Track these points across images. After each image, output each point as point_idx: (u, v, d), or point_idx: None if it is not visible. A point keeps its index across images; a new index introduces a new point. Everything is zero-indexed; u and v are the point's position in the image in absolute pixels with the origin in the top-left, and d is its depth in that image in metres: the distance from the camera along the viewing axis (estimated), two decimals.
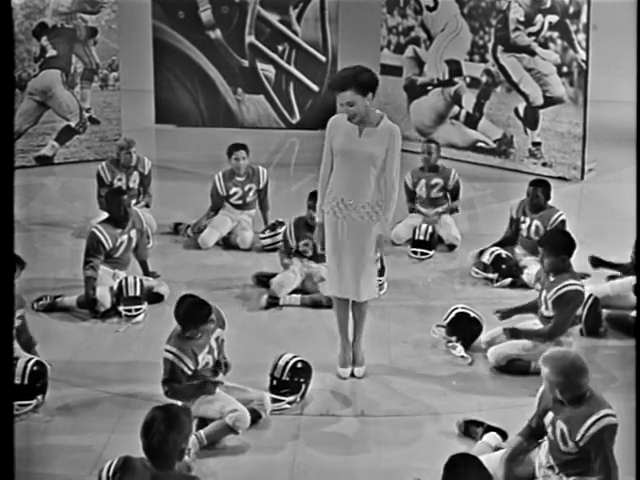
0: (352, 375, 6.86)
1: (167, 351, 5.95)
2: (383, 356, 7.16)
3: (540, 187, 8.72)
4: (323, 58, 14.27)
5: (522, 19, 12.08)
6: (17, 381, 6.17)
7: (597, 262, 8.29)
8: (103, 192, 9.27)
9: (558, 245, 6.89)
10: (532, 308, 7.19)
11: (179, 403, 5.51)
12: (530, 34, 12.05)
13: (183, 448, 4.43)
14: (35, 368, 6.29)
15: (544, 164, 12.20)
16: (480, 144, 12.80)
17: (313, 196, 8.16)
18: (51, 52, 12.20)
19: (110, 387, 6.64)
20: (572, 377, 5.00)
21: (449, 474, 4.13)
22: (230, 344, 6.40)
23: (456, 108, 12.94)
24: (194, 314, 5.95)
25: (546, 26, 11.90)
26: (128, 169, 9.80)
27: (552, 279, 6.91)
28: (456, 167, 10.28)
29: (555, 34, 11.85)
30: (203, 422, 5.92)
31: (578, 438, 4.98)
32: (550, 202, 8.75)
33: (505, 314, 7.23)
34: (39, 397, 6.27)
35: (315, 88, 14.36)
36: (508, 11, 12.20)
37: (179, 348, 5.93)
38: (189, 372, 5.95)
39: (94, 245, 7.93)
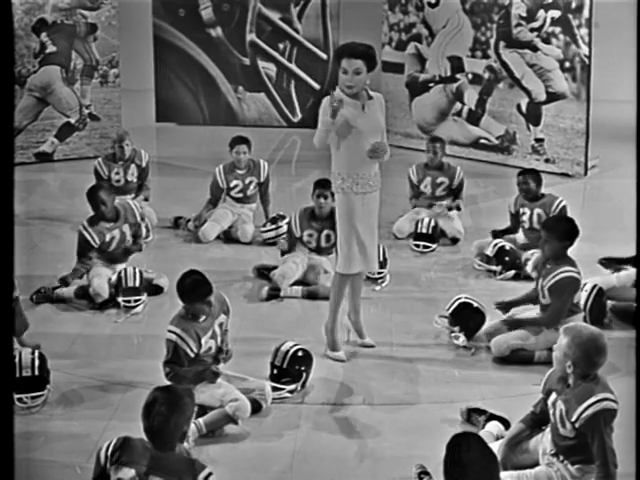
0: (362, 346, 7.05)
1: (170, 332, 5.89)
2: (385, 346, 7.09)
3: (529, 175, 8.75)
4: (324, 56, 14.23)
5: (524, 14, 12.03)
6: (27, 373, 6.13)
7: (610, 263, 8.16)
8: None
9: (563, 231, 6.81)
10: (530, 300, 7.13)
11: None
12: (532, 29, 12.00)
13: (185, 430, 4.36)
14: (39, 359, 6.24)
15: (547, 160, 12.14)
16: (482, 141, 12.74)
17: (319, 184, 8.12)
18: (51, 48, 12.17)
19: (107, 376, 6.58)
20: (590, 353, 4.90)
21: (452, 453, 4.03)
22: (231, 335, 6.35)
23: (458, 105, 12.89)
24: (193, 290, 5.89)
25: (548, 21, 11.85)
26: (125, 162, 9.76)
27: (549, 267, 6.84)
28: (458, 164, 10.22)
29: (557, 29, 11.80)
30: (202, 410, 5.84)
31: (574, 419, 4.89)
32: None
33: (504, 307, 7.17)
34: (48, 387, 6.22)
35: (316, 86, 14.31)
36: (510, 7, 12.15)
37: (182, 329, 5.87)
38: (192, 354, 5.88)
39: (82, 245, 7.95)
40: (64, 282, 7.91)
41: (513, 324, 6.97)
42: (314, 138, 6.51)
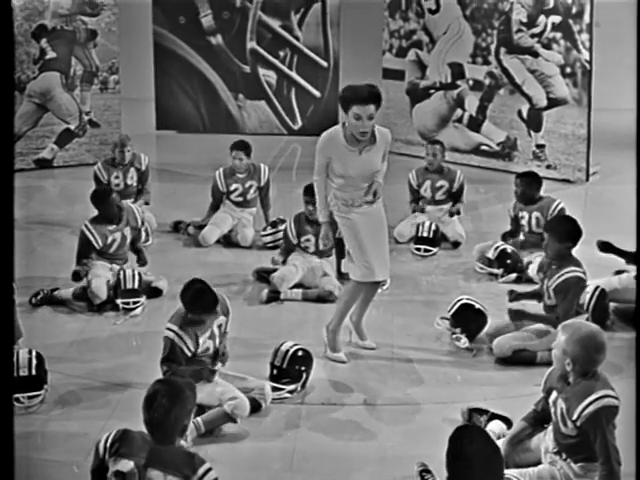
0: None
1: (168, 329, 5.85)
2: (386, 347, 7.06)
3: (526, 178, 8.78)
4: (325, 63, 14.20)
5: (525, 20, 12.01)
6: (24, 373, 6.10)
7: (606, 247, 8.07)
8: None
9: (564, 232, 6.78)
10: (538, 295, 7.09)
11: None
12: (533, 35, 11.98)
13: (185, 424, 4.31)
14: (37, 359, 6.20)
15: (548, 166, 12.10)
16: (483, 147, 12.70)
17: (308, 190, 8.07)
18: (50, 54, 12.15)
19: (106, 377, 6.56)
20: (588, 350, 4.85)
21: (454, 446, 3.97)
22: (230, 337, 6.33)
23: (459, 111, 12.86)
24: (200, 302, 5.85)
25: (549, 27, 11.82)
26: (124, 166, 9.74)
27: (554, 267, 6.81)
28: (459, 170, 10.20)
29: (558, 35, 11.77)
30: (201, 409, 5.77)
31: (575, 417, 4.83)
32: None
33: (515, 297, 7.14)
34: (45, 387, 6.19)
35: (317, 94, 14.28)
36: (511, 12, 12.13)
37: (181, 327, 5.83)
38: (188, 353, 5.83)
39: (83, 245, 7.91)
40: (77, 276, 7.86)
41: (518, 315, 6.92)
42: (313, 178, 6.70)
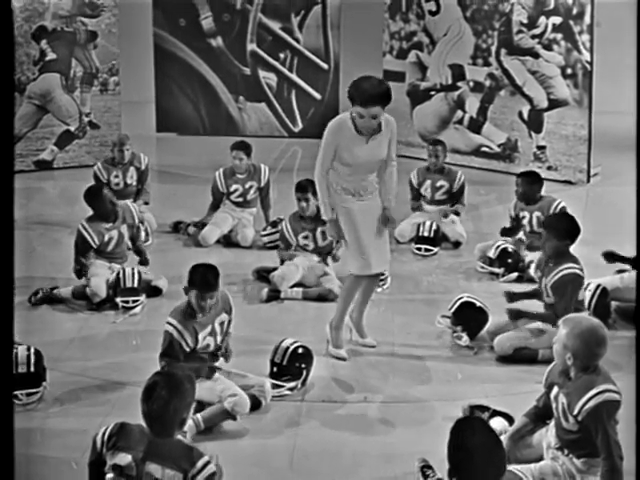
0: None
1: (168, 323, 5.84)
2: (387, 345, 7.04)
3: (527, 177, 8.79)
4: (325, 65, 14.18)
5: (525, 21, 11.99)
6: (23, 370, 6.08)
7: (612, 257, 8.07)
8: None
9: (563, 229, 6.76)
10: (536, 294, 7.06)
11: None
12: (534, 36, 11.97)
13: (184, 417, 4.26)
14: (35, 355, 6.18)
15: (549, 168, 12.08)
16: (484, 149, 12.68)
17: (299, 187, 8.08)
18: (50, 55, 12.14)
19: (105, 375, 6.55)
20: (589, 343, 4.82)
21: (456, 438, 3.94)
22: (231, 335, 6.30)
23: (460, 113, 12.84)
24: (209, 277, 5.86)
25: (550, 28, 11.81)
26: (124, 165, 9.73)
27: (551, 265, 6.78)
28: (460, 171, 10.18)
29: (559, 36, 11.76)
30: (201, 406, 5.75)
31: (576, 412, 4.80)
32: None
33: (513, 296, 7.08)
34: (44, 384, 6.17)
35: (317, 96, 14.26)
36: (511, 14, 12.11)
37: (180, 322, 5.81)
38: (187, 349, 5.81)
39: (80, 244, 7.89)
40: (80, 273, 7.85)
41: (517, 315, 6.88)
42: (314, 173, 6.61)
